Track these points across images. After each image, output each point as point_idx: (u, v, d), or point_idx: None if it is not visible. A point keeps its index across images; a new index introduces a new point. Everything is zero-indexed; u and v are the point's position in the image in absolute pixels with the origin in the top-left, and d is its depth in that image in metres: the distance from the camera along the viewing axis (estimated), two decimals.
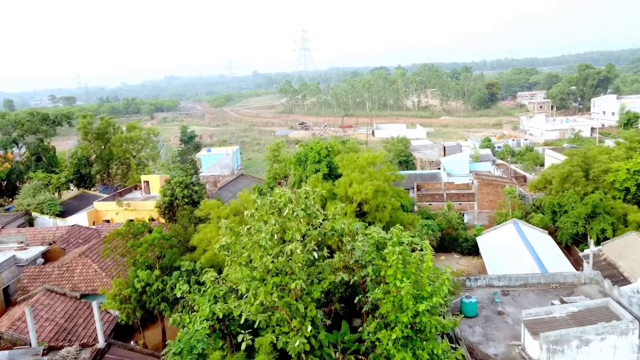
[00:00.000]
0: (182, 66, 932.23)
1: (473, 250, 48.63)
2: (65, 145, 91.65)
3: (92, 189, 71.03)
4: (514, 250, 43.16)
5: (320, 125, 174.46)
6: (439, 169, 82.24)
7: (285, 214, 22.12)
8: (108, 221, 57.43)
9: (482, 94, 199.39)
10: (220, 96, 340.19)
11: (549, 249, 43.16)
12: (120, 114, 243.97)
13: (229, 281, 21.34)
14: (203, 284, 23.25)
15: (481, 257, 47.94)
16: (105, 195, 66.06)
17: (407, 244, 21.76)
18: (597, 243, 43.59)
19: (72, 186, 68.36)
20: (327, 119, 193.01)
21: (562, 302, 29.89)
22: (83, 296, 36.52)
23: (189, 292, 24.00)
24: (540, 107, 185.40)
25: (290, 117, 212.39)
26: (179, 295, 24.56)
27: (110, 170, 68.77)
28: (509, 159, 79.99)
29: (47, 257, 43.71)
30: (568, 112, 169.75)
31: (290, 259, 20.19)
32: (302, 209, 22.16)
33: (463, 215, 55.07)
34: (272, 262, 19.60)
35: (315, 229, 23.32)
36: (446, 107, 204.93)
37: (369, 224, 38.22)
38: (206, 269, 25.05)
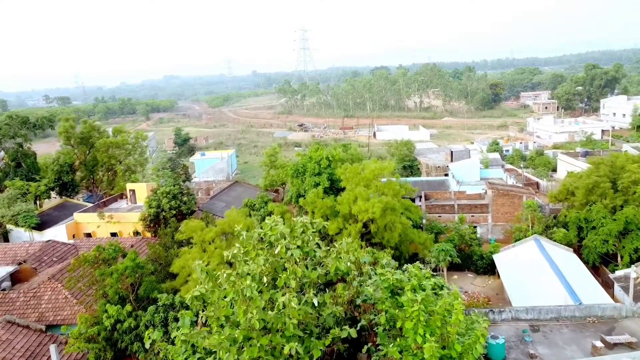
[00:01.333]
0: (182, 66, 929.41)
1: (489, 269, 44.11)
2: (53, 149, 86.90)
3: (75, 198, 66.45)
4: (536, 270, 38.62)
5: (320, 126, 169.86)
6: (446, 175, 77.68)
7: (277, 252, 17.58)
8: (89, 235, 52.82)
9: (485, 95, 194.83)
10: (219, 96, 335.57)
11: (576, 270, 38.65)
12: (115, 114, 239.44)
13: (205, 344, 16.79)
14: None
15: (498, 277, 43.43)
16: (89, 205, 61.50)
17: (430, 288, 17.40)
18: (630, 263, 39.15)
19: (54, 194, 63.80)
20: (327, 120, 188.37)
21: (605, 342, 25.48)
22: (50, 327, 31.97)
23: (165, 333, 19.51)
24: (546, 107, 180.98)
25: (289, 118, 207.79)
26: (147, 346, 20.05)
27: (95, 178, 64.15)
28: (523, 166, 75.29)
29: (17, 277, 39.17)
30: (574, 113, 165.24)
31: (283, 313, 15.68)
32: (298, 247, 17.61)
33: (475, 228, 50.53)
34: (261, 319, 15.15)
35: (315, 268, 18.76)
36: (449, 107, 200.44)
37: (375, 245, 33.70)
38: (182, 312, 20.56)
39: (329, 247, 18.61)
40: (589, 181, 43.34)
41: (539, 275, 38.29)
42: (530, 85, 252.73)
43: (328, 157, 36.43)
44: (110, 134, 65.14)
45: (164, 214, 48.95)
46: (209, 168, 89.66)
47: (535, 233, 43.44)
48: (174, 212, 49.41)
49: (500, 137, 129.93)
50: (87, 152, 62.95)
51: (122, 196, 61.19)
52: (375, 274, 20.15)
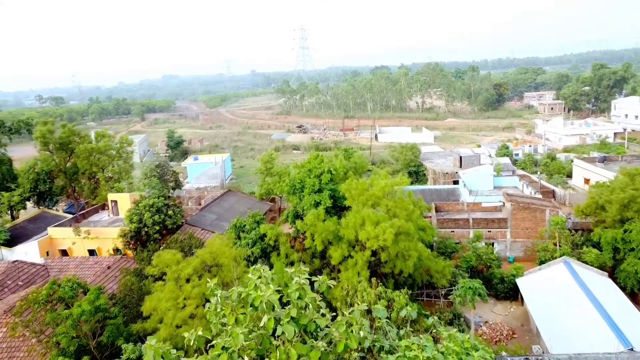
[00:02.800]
0: (180, 65, 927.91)
1: (511, 294, 39.14)
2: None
3: (55, 208, 61.44)
4: (569, 299, 33.68)
5: (319, 127, 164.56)
6: (455, 182, 72.70)
7: (263, 324, 12.51)
8: (65, 252, 47.78)
9: (489, 95, 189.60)
10: (216, 96, 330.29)
11: (615, 300, 33.67)
12: (110, 115, 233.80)
13: None
14: None
15: (521, 302, 38.51)
16: (69, 216, 56.47)
17: None
18: None
19: (30, 204, 58.78)
20: (327, 120, 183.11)
21: None
22: None
23: None
24: (552, 108, 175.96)
25: (288, 119, 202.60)
26: None
27: (76, 186, 59.06)
28: (539, 173, 70.12)
29: None
30: (581, 114, 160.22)
31: None
32: (292, 318, 12.53)
33: (493, 245, 45.56)
34: None
35: (316, 339, 13.66)
36: (451, 108, 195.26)
37: (386, 276, 28.63)
38: None
39: (335, 315, 13.59)
40: (624, 195, 38.37)
41: (572, 305, 33.36)
42: (533, 85, 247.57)
43: (330, 171, 31.38)
44: (93, 138, 60.03)
45: (146, 229, 44.00)
46: (202, 173, 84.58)
47: (563, 253, 38.49)
48: (158, 227, 44.43)
49: (508, 139, 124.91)
50: (67, 158, 57.83)
51: (104, 207, 56.17)
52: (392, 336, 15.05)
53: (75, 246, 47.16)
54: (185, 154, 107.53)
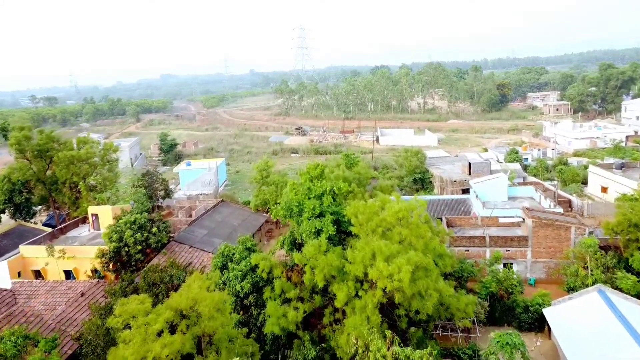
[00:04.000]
0: (179, 65, 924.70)
1: (536, 324, 34.71)
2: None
3: (33, 220, 56.94)
4: (608, 337, 29.18)
5: (318, 129, 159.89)
6: (464, 190, 68.33)
7: None
8: (39, 273, 43.25)
9: (492, 96, 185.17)
10: (214, 96, 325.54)
11: None
12: (104, 115, 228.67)
13: None
14: None
15: (548, 334, 34.12)
16: (48, 230, 51.93)
17: None
18: None
19: (5, 216, 54.29)
20: (327, 122, 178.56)
21: None
22: None
23: None
24: (557, 109, 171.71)
25: (287, 120, 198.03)
26: None
27: (56, 197, 54.58)
28: (556, 181, 65.57)
29: None
30: (587, 116, 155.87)
31: None
32: None
33: (512, 266, 41.15)
34: None
35: None
36: (454, 109, 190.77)
37: (399, 317, 24.14)
38: None
39: None
40: None
41: (610, 341, 28.96)
42: (536, 85, 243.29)
43: (333, 190, 26.85)
44: (74, 145, 55.51)
45: (127, 249, 39.51)
46: (195, 180, 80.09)
47: (596, 280, 34.04)
48: (140, 247, 39.96)
49: (514, 142, 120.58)
50: (46, 167, 53.34)
51: (85, 220, 51.62)
52: None
53: (50, 267, 42.63)
54: (178, 158, 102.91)
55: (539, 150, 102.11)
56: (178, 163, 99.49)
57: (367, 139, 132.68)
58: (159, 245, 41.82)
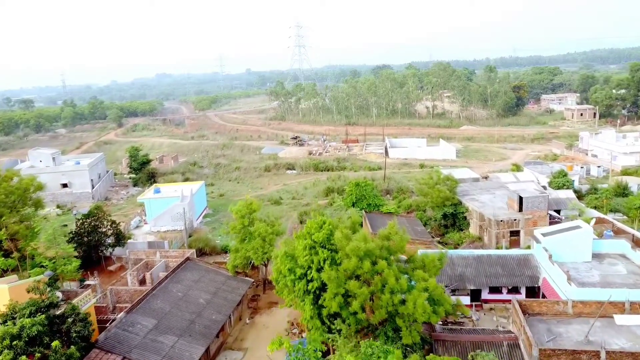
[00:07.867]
0: (175, 62, 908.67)
1: None
2: None
3: None
4: None
5: (318, 138, 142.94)
6: (512, 232, 51.94)
7: None
8: None
9: (508, 99, 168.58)
10: (207, 97, 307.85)
11: None
12: (85, 119, 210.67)
13: None
14: None
15: None
16: None
17: None
18: None
19: None
20: (327, 129, 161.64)
21: None
22: None
23: None
24: (581, 114, 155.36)
25: (282, 125, 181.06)
26: None
27: None
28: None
29: None
30: (615, 122, 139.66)
31: None
32: None
33: None
34: None
35: None
36: (466, 113, 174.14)
37: None
38: None
39: None
40: None
41: None
42: (550, 86, 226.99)
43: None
44: None
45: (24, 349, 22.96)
46: (164, 212, 63.34)
47: None
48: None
49: (545, 155, 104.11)
50: None
51: None
52: None
53: None
54: (151, 178, 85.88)
55: (582, 167, 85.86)
56: (151, 183, 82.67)
57: (374, 151, 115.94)
58: (79, 344, 25.29)
